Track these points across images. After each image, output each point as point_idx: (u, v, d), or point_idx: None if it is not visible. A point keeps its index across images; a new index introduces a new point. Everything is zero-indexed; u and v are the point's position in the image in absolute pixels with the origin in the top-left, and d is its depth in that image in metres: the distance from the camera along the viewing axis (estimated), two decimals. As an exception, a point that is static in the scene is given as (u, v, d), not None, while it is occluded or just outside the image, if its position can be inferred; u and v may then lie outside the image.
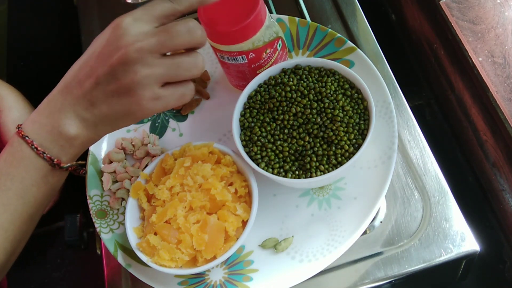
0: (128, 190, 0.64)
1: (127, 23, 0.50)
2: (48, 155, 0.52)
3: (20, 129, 0.53)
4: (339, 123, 0.56)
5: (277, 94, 0.59)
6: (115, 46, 0.50)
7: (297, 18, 0.71)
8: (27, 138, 0.52)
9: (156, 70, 0.49)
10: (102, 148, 0.69)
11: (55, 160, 0.52)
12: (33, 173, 0.53)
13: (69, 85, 0.52)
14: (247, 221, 0.57)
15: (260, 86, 0.62)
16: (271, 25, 0.61)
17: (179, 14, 0.53)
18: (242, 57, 0.61)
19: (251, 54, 0.61)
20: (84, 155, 0.68)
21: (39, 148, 0.51)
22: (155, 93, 0.50)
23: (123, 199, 0.65)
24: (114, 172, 0.67)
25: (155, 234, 0.57)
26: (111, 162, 0.67)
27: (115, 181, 0.67)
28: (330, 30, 0.68)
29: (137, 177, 0.64)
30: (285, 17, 0.71)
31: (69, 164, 0.54)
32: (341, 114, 0.57)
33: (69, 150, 0.53)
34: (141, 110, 0.51)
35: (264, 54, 0.62)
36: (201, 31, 0.52)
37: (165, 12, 0.51)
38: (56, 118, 0.51)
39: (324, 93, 0.58)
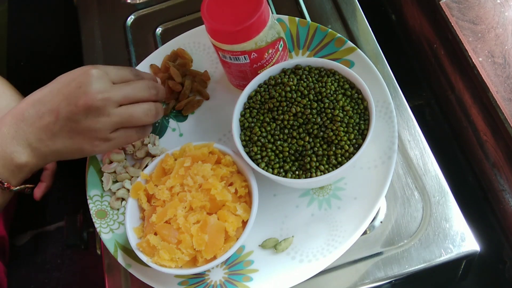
0: (128, 190, 0.64)
1: (97, 74, 0.56)
2: None
3: None
4: (339, 123, 0.56)
5: (277, 94, 0.59)
6: (83, 90, 0.55)
7: (297, 18, 0.71)
8: None
9: (113, 119, 0.56)
10: (102, 148, 0.69)
11: (6, 184, 0.56)
12: None
13: (27, 114, 0.56)
14: (247, 221, 0.57)
15: (260, 86, 0.62)
16: (274, 25, 0.61)
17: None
18: (244, 57, 0.61)
19: (254, 54, 0.61)
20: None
21: None
22: (107, 136, 0.57)
23: (123, 199, 0.65)
24: (114, 172, 0.67)
25: (155, 234, 0.57)
26: (111, 162, 0.67)
27: (115, 181, 0.67)
28: (330, 30, 0.68)
29: (137, 177, 0.64)
30: (285, 17, 0.71)
31: (18, 188, 0.58)
32: (341, 114, 0.57)
33: (18, 175, 0.57)
34: (91, 149, 0.58)
35: (266, 54, 0.62)
36: (160, 90, 0.62)
37: (128, 78, 0.60)
38: (9, 145, 0.55)
39: (324, 93, 0.58)
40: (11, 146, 0.55)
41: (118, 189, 0.65)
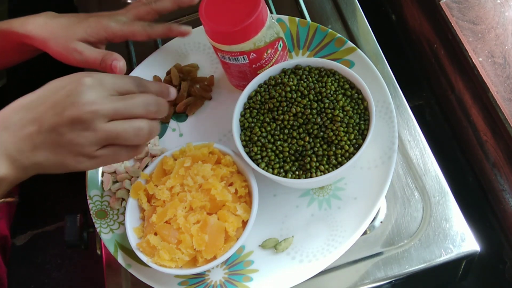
0: (128, 190, 0.64)
1: (90, 83, 0.51)
2: None
3: None
4: (339, 123, 0.56)
5: (277, 94, 0.59)
6: (71, 100, 0.50)
7: (297, 18, 0.71)
8: None
9: (98, 135, 0.51)
10: (102, 148, 0.69)
11: None
12: None
13: (9, 122, 0.51)
14: (247, 221, 0.57)
15: (260, 86, 0.62)
16: (272, 25, 0.61)
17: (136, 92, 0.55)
18: (243, 57, 0.61)
19: (252, 55, 0.61)
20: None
21: None
22: (92, 153, 0.51)
23: (123, 199, 0.65)
24: (114, 172, 0.67)
25: (155, 234, 0.57)
26: None
27: (115, 181, 0.67)
28: (330, 30, 0.68)
29: (137, 177, 0.64)
30: (285, 17, 0.71)
31: None
32: (341, 114, 0.57)
33: None
34: (74, 165, 0.52)
35: (265, 54, 0.62)
36: (162, 107, 0.55)
37: (127, 90, 0.54)
38: None
39: (324, 93, 0.58)
40: None
41: (118, 189, 0.65)
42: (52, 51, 0.68)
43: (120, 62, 0.65)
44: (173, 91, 0.59)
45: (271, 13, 0.80)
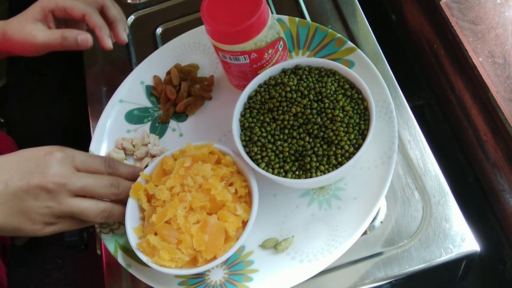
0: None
1: (61, 157, 0.53)
2: None
3: None
4: (339, 123, 0.56)
5: (277, 94, 0.59)
6: (41, 170, 0.52)
7: (297, 18, 0.71)
8: None
9: (63, 208, 0.53)
10: (101, 148, 0.69)
11: None
12: None
13: None
14: (247, 221, 0.57)
15: (260, 86, 0.62)
16: (273, 25, 0.61)
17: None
18: (244, 57, 0.61)
19: (253, 54, 0.61)
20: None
21: None
22: (51, 221, 0.53)
23: None
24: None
25: (155, 234, 0.57)
26: None
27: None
28: (330, 30, 0.69)
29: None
30: (285, 17, 0.71)
31: None
32: (341, 114, 0.57)
33: None
34: (30, 231, 0.53)
35: (266, 54, 0.62)
36: (125, 191, 0.58)
37: (96, 169, 0.56)
38: None
39: (324, 93, 0.58)
40: None
41: None
42: (12, 44, 0.67)
43: (87, 36, 0.66)
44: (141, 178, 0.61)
45: (271, 13, 0.80)
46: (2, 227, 0.52)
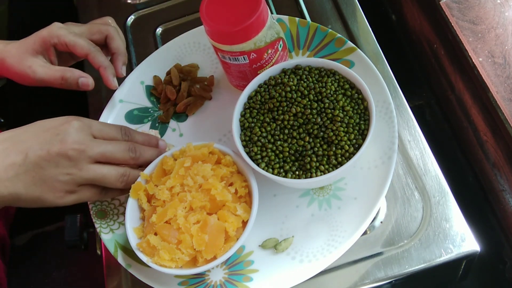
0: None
1: (80, 126, 0.54)
2: None
3: None
4: (339, 123, 0.56)
5: (277, 94, 0.59)
6: (60, 138, 0.52)
7: (297, 18, 0.71)
8: None
9: (84, 174, 0.53)
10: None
11: None
12: None
13: None
14: (247, 221, 0.57)
15: (260, 86, 0.62)
16: (273, 25, 0.61)
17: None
18: (243, 57, 0.61)
19: (253, 55, 0.61)
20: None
21: None
22: (72, 189, 0.54)
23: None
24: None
25: (155, 234, 0.57)
26: None
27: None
28: (330, 30, 0.68)
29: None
30: (285, 17, 0.71)
31: None
32: (341, 114, 0.57)
33: None
34: (52, 201, 0.53)
35: (266, 54, 0.62)
36: (143, 155, 0.59)
37: (113, 137, 0.57)
38: None
39: (324, 93, 0.58)
40: None
41: None
42: (10, 73, 0.65)
43: (88, 79, 0.64)
44: (162, 144, 0.62)
45: (271, 13, 0.80)
46: (24, 197, 0.52)
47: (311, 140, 0.57)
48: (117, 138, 0.58)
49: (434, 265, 0.58)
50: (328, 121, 0.57)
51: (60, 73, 0.63)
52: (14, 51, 0.64)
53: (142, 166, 0.60)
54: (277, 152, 0.58)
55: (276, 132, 0.58)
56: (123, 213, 0.64)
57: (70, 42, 0.64)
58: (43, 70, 0.63)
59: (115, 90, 0.73)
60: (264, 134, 0.58)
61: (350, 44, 0.67)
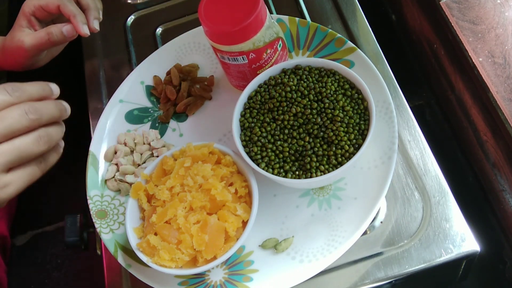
0: (130, 185, 0.65)
1: None
2: None
3: None
4: (339, 123, 0.56)
5: (277, 94, 0.59)
6: None
7: (297, 18, 0.71)
8: None
9: (2, 158, 0.45)
10: (101, 148, 0.69)
11: None
12: None
13: None
14: (247, 221, 0.57)
15: (260, 86, 0.62)
16: (272, 25, 0.61)
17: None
18: (242, 57, 0.61)
19: (252, 55, 0.61)
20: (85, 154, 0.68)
21: None
22: (2, 182, 0.46)
23: (119, 190, 0.65)
24: (116, 165, 0.67)
25: (155, 234, 0.57)
26: (115, 152, 0.68)
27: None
28: (330, 30, 0.68)
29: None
30: (285, 17, 0.71)
31: None
32: (341, 114, 0.57)
33: None
34: None
35: (265, 54, 0.62)
36: (45, 110, 0.48)
37: (1, 100, 0.47)
38: None
39: (324, 93, 0.58)
40: None
41: (120, 179, 0.66)
42: (5, 58, 0.69)
43: (70, 26, 0.68)
44: (55, 88, 0.51)
45: (271, 13, 0.80)
46: None
47: (311, 140, 0.57)
48: (6, 101, 0.46)
49: (434, 265, 0.58)
50: (328, 121, 0.57)
51: (45, 30, 0.68)
52: (8, 36, 0.70)
53: (51, 120, 0.49)
54: (277, 152, 0.58)
55: (276, 132, 0.58)
56: (123, 213, 0.64)
57: (43, 3, 0.68)
58: (30, 36, 0.68)
59: (115, 90, 0.73)
60: (264, 134, 0.58)
61: (350, 44, 0.67)
